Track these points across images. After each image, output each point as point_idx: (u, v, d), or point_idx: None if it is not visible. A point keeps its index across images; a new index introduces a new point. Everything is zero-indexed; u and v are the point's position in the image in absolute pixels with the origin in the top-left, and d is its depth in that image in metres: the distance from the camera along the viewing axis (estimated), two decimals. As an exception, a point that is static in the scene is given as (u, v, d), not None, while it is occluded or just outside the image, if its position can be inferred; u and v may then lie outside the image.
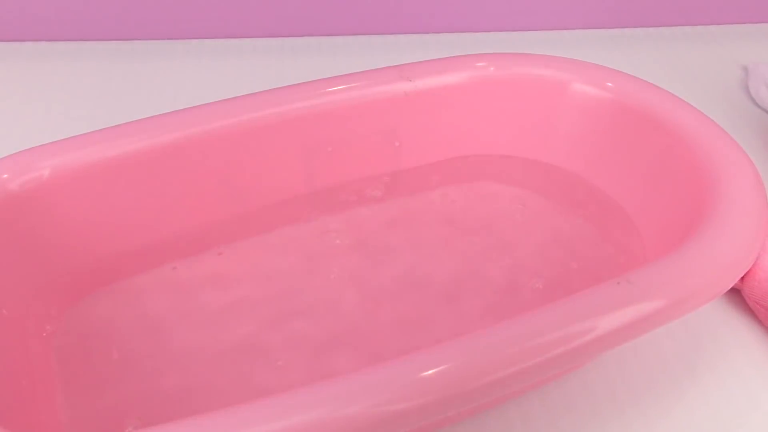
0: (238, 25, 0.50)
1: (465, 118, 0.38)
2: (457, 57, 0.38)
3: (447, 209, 0.38)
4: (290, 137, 0.35)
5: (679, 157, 0.32)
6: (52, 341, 0.31)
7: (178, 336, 0.32)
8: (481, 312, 0.33)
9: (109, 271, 0.33)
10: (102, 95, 0.45)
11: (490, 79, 0.37)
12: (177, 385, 0.30)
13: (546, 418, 0.30)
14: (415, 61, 0.37)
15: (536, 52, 0.38)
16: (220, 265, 0.35)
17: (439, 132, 0.38)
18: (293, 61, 0.48)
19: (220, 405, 0.22)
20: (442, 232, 0.37)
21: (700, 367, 0.32)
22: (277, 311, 0.33)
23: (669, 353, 0.32)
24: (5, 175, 0.30)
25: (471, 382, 0.23)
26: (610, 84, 0.36)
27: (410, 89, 0.36)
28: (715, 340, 0.33)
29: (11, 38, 0.49)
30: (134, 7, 0.48)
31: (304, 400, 0.22)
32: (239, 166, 0.34)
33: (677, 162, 0.32)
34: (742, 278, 0.32)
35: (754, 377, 0.32)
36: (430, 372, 0.23)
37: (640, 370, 0.32)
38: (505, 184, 0.39)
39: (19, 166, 0.31)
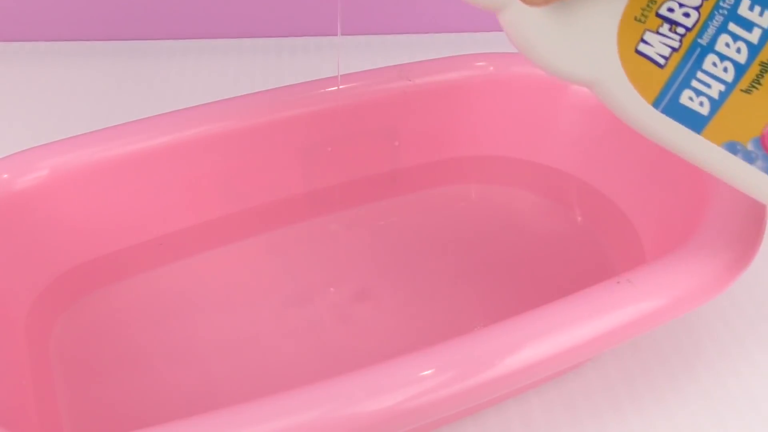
0: (238, 25, 0.50)
1: (464, 117, 0.38)
2: (457, 57, 0.38)
3: (446, 209, 0.38)
4: (289, 137, 0.35)
5: (677, 157, 0.32)
6: (52, 341, 0.31)
7: (178, 336, 0.32)
8: (481, 311, 0.33)
9: (109, 271, 0.34)
10: (102, 95, 0.45)
11: (490, 78, 0.37)
12: (177, 384, 0.30)
13: (545, 417, 0.30)
14: (415, 61, 0.37)
15: (536, 52, 0.38)
16: (220, 265, 0.35)
17: (438, 132, 0.38)
18: (292, 61, 0.48)
19: (220, 405, 0.22)
20: (442, 232, 0.37)
21: (699, 367, 0.32)
22: (277, 312, 0.33)
23: (668, 352, 0.32)
24: (5, 175, 0.30)
25: (471, 382, 0.23)
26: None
27: (410, 89, 0.36)
28: (715, 340, 0.33)
29: (11, 38, 0.49)
30: (134, 7, 0.48)
31: (304, 400, 0.22)
32: (239, 166, 0.34)
33: (676, 161, 0.32)
34: None
35: (754, 377, 0.32)
36: (430, 372, 0.23)
37: (639, 369, 0.32)
38: (504, 184, 0.39)
39: (19, 166, 0.31)
